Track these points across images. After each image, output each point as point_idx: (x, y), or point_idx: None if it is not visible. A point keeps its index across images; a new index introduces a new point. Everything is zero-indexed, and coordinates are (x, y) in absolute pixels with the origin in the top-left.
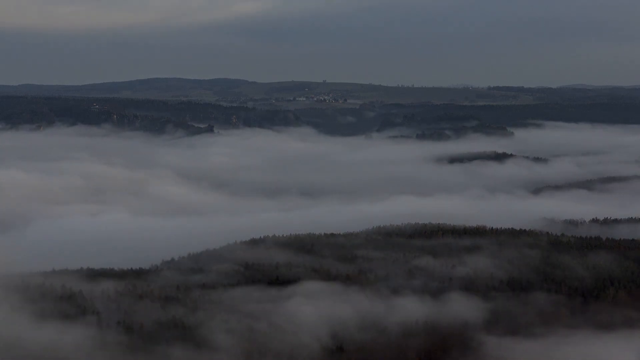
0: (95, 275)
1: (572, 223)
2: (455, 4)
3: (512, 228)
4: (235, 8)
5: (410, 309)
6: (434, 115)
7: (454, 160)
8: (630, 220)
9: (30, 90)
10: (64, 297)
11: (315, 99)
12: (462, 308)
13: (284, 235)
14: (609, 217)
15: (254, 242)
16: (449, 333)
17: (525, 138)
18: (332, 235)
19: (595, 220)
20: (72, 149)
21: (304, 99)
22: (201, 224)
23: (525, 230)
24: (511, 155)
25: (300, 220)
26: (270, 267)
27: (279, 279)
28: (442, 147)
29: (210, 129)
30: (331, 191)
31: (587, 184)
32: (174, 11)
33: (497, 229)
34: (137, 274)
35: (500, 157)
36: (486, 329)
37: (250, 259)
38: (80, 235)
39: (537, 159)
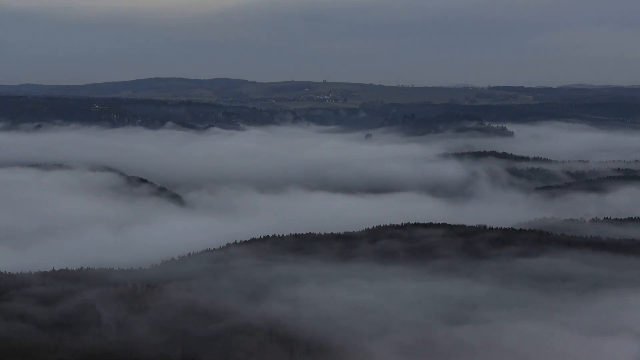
0: (95, 275)
1: (573, 223)
2: (456, 4)
3: (512, 228)
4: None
5: None
6: (434, 115)
7: (453, 160)
8: (631, 220)
9: (30, 90)
10: (64, 298)
11: (315, 98)
12: None
13: (284, 235)
14: (609, 217)
15: (255, 242)
16: None
17: (526, 138)
18: (332, 234)
19: (595, 220)
20: (71, 149)
21: (304, 98)
22: (201, 223)
23: (525, 230)
24: (511, 155)
25: (300, 220)
26: (271, 267)
27: (279, 278)
28: (442, 146)
29: (210, 129)
30: (331, 190)
31: (587, 184)
32: (172, 4)
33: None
34: (138, 274)
35: (500, 157)
36: None
37: (251, 259)
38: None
39: (537, 159)
